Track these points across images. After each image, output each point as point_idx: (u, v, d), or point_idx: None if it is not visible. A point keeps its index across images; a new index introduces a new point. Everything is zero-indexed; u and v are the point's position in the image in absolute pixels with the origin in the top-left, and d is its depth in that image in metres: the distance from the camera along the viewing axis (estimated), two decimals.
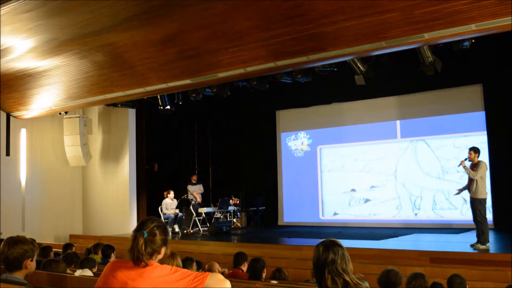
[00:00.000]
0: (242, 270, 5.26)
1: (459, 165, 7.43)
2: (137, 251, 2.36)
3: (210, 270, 5.31)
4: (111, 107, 12.04)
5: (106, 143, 12.38)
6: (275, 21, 6.54)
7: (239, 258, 5.36)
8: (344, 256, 2.45)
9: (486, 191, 7.20)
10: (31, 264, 3.07)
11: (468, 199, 7.44)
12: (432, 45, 7.84)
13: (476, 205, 7.20)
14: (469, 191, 7.30)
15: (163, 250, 2.45)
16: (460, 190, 7.55)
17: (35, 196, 11.64)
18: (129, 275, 2.37)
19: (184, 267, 3.73)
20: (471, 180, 7.23)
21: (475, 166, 7.26)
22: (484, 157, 10.15)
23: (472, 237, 7.56)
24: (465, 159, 7.36)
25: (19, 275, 3.02)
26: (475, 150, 7.37)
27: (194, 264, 5.15)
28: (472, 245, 7.15)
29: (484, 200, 7.19)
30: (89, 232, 12.08)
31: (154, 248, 2.40)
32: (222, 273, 4.76)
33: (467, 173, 7.28)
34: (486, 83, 10.35)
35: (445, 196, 10.82)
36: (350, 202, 12.16)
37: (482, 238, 7.08)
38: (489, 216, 10.03)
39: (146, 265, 2.37)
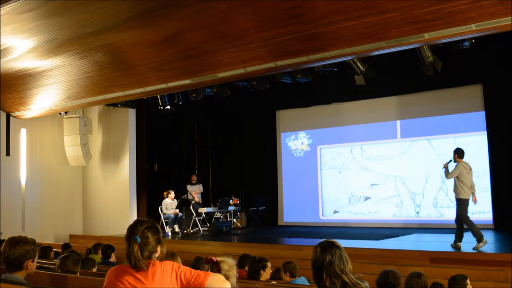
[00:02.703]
0: (246, 271, 5.33)
1: (442, 168, 7.64)
2: (134, 258, 2.36)
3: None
4: (111, 107, 12.03)
5: (106, 143, 12.38)
6: (275, 21, 6.54)
7: (243, 260, 5.56)
8: (341, 257, 2.45)
9: (467, 192, 7.31)
10: (32, 265, 3.07)
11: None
12: (432, 45, 7.83)
13: (457, 205, 7.42)
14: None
15: (159, 249, 2.46)
16: (446, 164, 7.63)
17: (35, 196, 11.64)
18: (136, 279, 2.38)
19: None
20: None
21: None
22: (484, 157, 10.22)
23: (472, 237, 7.54)
24: (450, 161, 7.58)
25: (19, 276, 3.02)
26: (455, 151, 7.59)
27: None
28: (474, 247, 7.12)
29: (465, 201, 7.32)
30: (89, 232, 12.07)
31: (150, 250, 2.41)
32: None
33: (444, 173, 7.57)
34: (486, 83, 10.34)
35: (446, 194, 10.82)
36: (350, 200, 12.16)
37: (477, 236, 7.15)
38: (489, 216, 10.07)
39: (148, 267, 2.38)
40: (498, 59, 9.63)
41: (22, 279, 3.01)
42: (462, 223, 7.38)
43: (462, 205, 7.32)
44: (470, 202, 7.44)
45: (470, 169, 7.43)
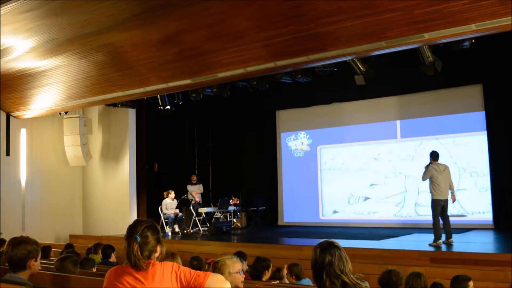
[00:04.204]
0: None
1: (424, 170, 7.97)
2: (134, 257, 2.37)
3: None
4: (111, 107, 12.04)
5: (106, 143, 12.38)
6: (275, 21, 6.54)
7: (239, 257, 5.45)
8: (341, 257, 2.45)
9: (440, 193, 7.64)
10: (36, 264, 3.09)
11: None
12: (432, 45, 7.84)
13: (431, 204, 7.78)
14: None
15: (158, 249, 2.46)
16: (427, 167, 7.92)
17: (35, 196, 11.64)
18: (136, 280, 2.39)
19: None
20: None
21: None
22: (484, 157, 10.22)
23: (472, 237, 7.58)
24: (429, 163, 7.88)
25: (23, 275, 3.04)
26: (429, 154, 7.99)
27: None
28: (430, 244, 7.52)
29: (435, 201, 7.69)
30: (89, 232, 12.07)
31: (150, 249, 2.41)
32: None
33: None
34: (486, 83, 10.34)
35: None
36: (350, 200, 12.16)
37: (434, 236, 7.50)
38: (489, 216, 10.06)
39: (147, 267, 2.38)
40: (498, 59, 9.63)
41: (25, 279, 3.02)
42: (447, 220, 7.67)
43: (432, 204, 7.72)
44: (449, 202, 7.77)
45: (445, 169, 7.71)
